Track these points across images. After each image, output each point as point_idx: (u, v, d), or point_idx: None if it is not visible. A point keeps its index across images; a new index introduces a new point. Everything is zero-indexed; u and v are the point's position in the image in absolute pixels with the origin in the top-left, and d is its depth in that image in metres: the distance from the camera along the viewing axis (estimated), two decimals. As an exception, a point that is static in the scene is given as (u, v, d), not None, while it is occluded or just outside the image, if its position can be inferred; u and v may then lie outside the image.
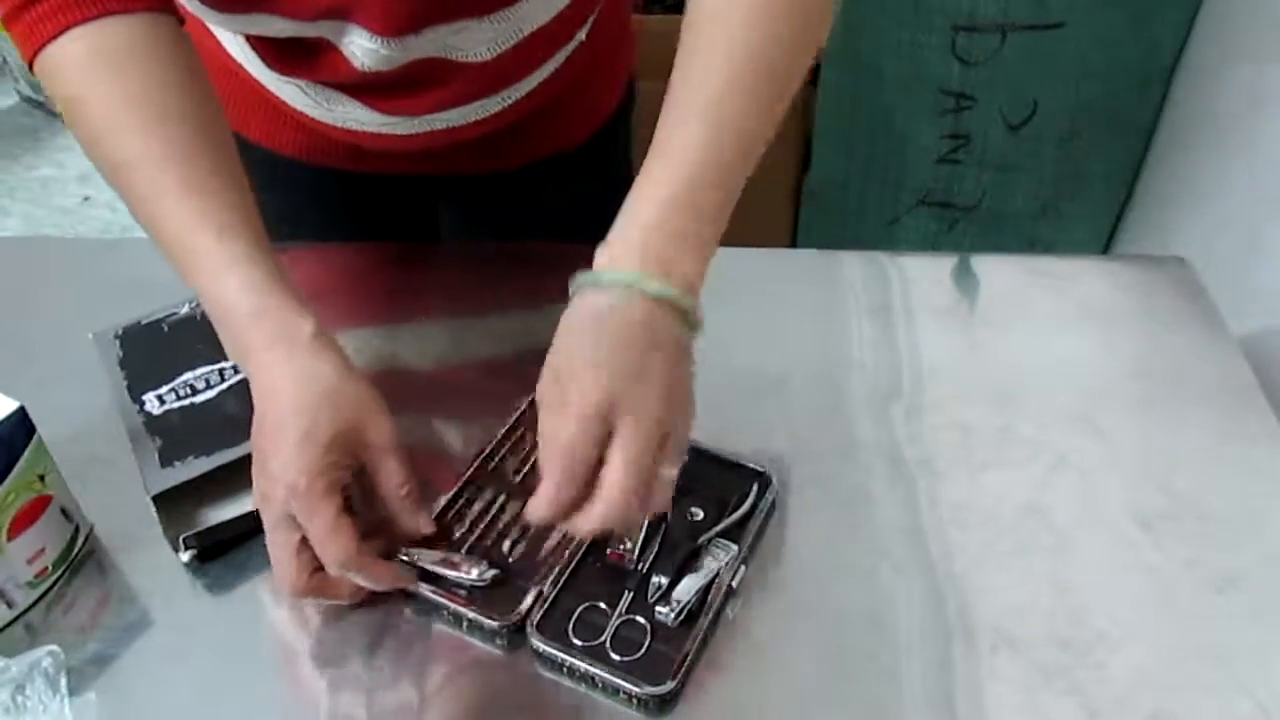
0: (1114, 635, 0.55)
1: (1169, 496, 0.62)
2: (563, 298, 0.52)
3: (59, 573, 0.59)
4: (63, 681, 0.52)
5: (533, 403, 0.64)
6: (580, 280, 0.52)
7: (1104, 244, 1.40)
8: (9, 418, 0.54)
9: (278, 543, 0.53)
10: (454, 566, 0.56)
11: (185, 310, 0.70)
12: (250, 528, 0.59)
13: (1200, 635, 0.55)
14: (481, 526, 0.59)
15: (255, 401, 0.54)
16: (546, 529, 0.59)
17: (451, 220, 0.91)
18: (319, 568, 0.54)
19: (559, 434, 0.49)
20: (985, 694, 0.52)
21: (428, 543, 0.57)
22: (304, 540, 0.53)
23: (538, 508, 0.50)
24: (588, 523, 0.49)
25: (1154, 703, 0.52)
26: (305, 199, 0.84)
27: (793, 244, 1.47)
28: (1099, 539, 0.60)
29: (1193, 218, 1.24)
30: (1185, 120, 1.26)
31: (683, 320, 0.51)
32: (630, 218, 0.52)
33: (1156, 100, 1.27)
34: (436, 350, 0.73)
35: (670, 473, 0.51)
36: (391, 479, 0.55)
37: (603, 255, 0.52)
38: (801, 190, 1.41)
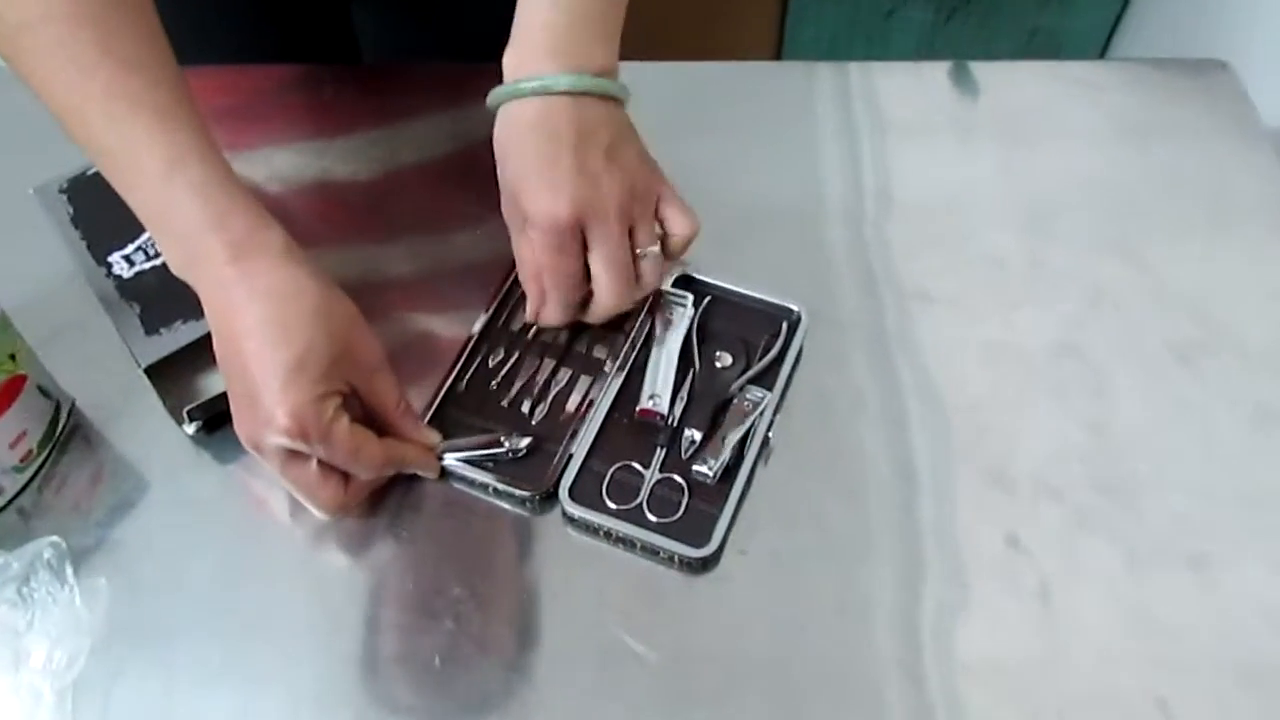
0: (1152, 478, 0.54)
1: (1206, 327, 0.60)
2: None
3: (45, 453, 0.55)
4: (68, 570, 0.50)
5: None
6: (499, 95, 0.53)
7: (1109, 29, 1.32)
8: (-34, 297, 0.48)
9: (297, 479, 0.49)
10: (491, 445, 0.53)
11: (139, 152, 0.63)
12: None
13: (1239, 475, 0.54)
14: (498, 389, 0.56)
15: (215, 325, 0.48)
16: (567, 389, 0.56)
17: (369, 29, 0.82)
18: (348, 476, 0.50)
19: (525, 255, 0.54)
20: (1026, 542, 0.52)
21: (447, 420, 0.54)
22: (321, 463, 0.49)
23: (530, 317, 0.56)
24: (594, 319, 0.56)
25: (1193, 545, 0.52)
26: (209, 15, 0.74)
27: (779, 39, 1.37)
28: (1136, 376, 0.58)
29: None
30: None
31: (610, 102, 0.53)
32: (529, 11, 0.52)
33: None
34: (370, 164, 0.67)
35: (651, 251, 0.55)
36: (388, 397, 0.52)
37: (511, 58, 0.53)
38: (790, -22, 1.30)
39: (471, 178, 0.66)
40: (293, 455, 0.48)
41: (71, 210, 0.60)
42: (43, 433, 0.54)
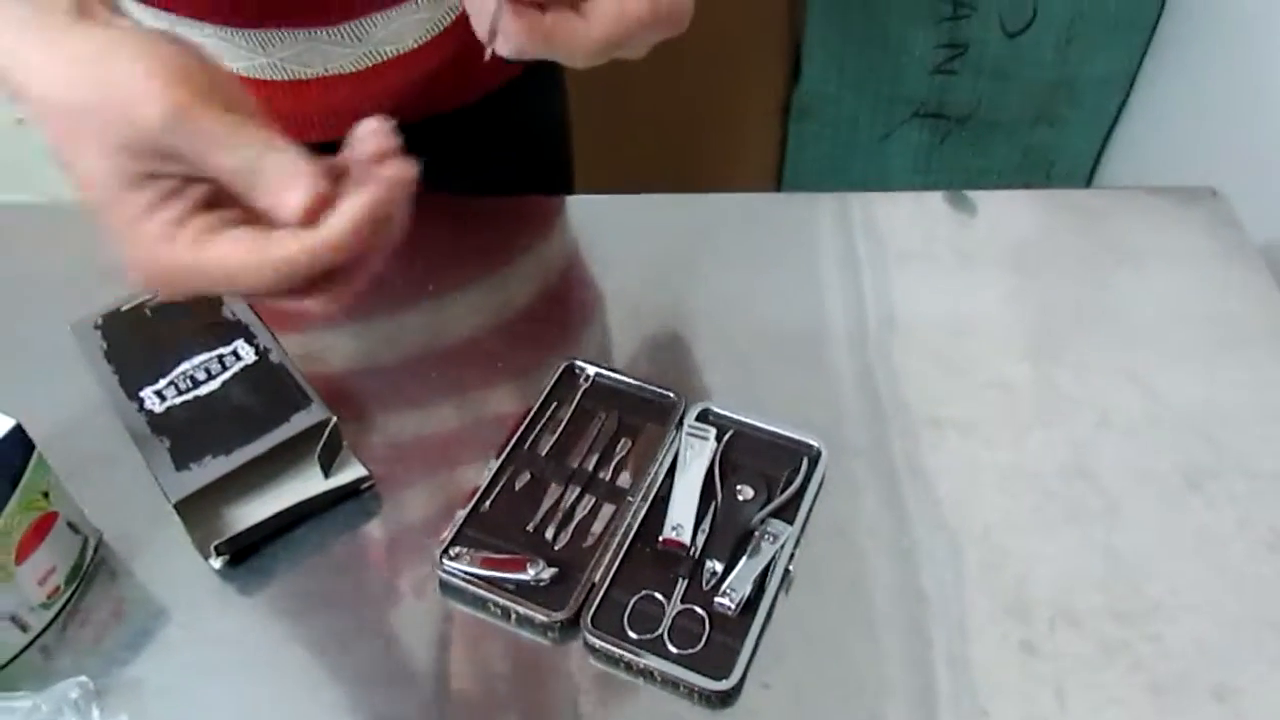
0: (1171, 605, 0.54)
1: (1215, 451, 0.61)
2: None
3: (71, 589, 0.55)
4: (95, 713, 0.50)
5: (562, 374, 0.62)
6: None
7: (1098, 149, 1.37)
8: (7, 438, 0.49)
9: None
10: (512, 568, 0.53)
11: (168, 290, 0.65)
12: (280, 527, 0.57)
13: (1258, 600, 0.54)
14: (522, 513, 0.57)
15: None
16: (590, 516, 0.57)
17: None
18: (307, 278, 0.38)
19: None
20: (1051, 673, 0.52)
21: (472, 541, 0.55)
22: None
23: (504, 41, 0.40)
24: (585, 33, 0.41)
25: (1217, 676, 0.52)
26: None
27: (781, 160, 1.42)
28: (1148, 501, 0.59)
29: (1189, 122, 1.22)
30: (1186, 21, 1.22)
31: None
32: None
33: (1158, 1, 1.23)
34: (427, 337, 0.67)
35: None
36: (218, 162, 0.36)
37: None
38: (790, 104, 1.36)
39: (487, 309, 0.69)
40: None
41: (106, 345, 0.62)
42: (70, 568, 0.55)
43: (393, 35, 0.65)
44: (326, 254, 0.37)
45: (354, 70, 0.66)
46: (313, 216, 0.37)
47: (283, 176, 0.36)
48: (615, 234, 0.74)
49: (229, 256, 0.37)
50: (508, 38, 0.41)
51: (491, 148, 0.80)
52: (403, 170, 0.39)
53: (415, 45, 0.66)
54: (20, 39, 0.38)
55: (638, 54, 0.44)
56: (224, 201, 0.38)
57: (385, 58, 0.66)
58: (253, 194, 0.37)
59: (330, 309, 0.40)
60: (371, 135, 0.39)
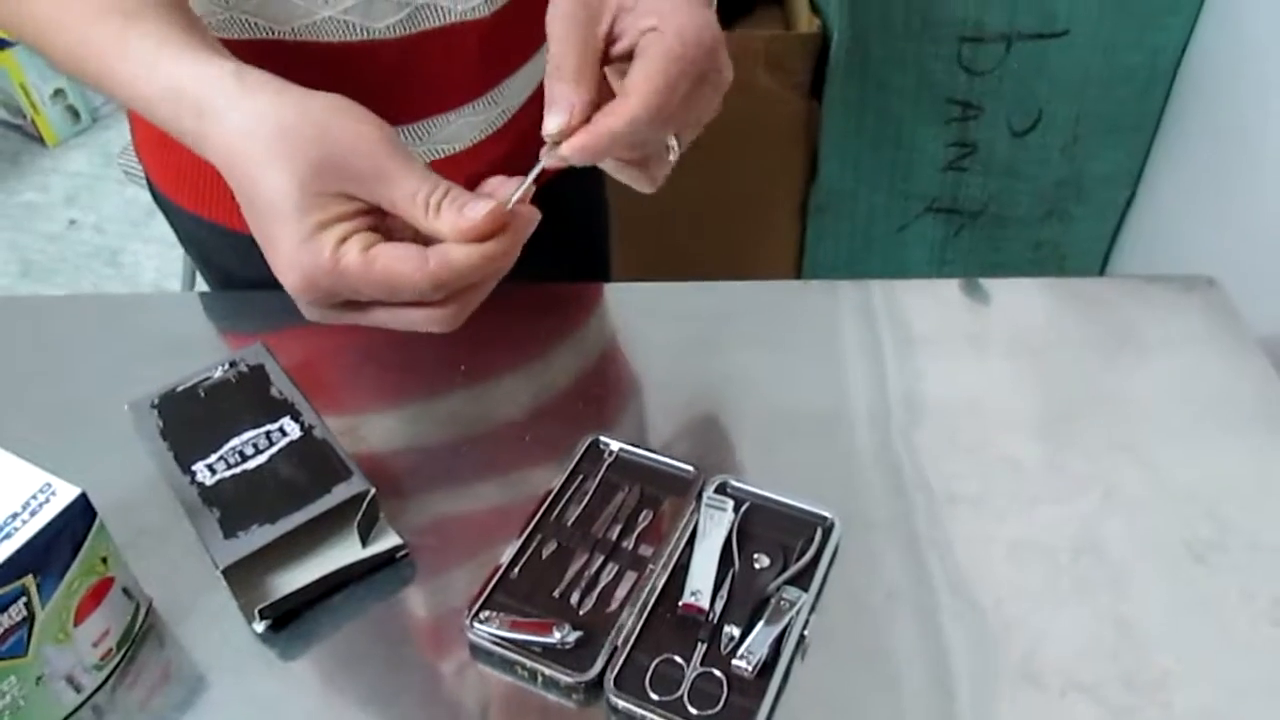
0: (1178, 673, 0.56)
1: (1219, 526, 0.63)
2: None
3: (123, 652, 0.58)
4: (142, 768, 0.52)
5: (588, 449, 0.65)
6: None
7: (1108, 243, 1.41)
8: (72, 505, 0.53)
9: (383, 323, 0.46)
10: (539, 630, 0.56)
11: (219, 374, 0.69)
12: (320, 593, 0.60)
13: (1262, 669, 0.56)
14: (548, 579, 0.60)
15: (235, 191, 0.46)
16: (614, 583, 0.59)
17: None
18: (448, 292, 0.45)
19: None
20: (1060, 738, 0.53)
21: (501, 605, 0.58)
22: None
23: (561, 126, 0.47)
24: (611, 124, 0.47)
25: (1226, 741, 0.53)
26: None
27: (800, 255, 1.47)
28: (1154, 573, 0.60)
29: (1193, 216, 1.26)
30: (1186, 122, 1.28)
31: None
32: None
33: (1158, 104, 1.29)
34: (461, 414, 0.72)
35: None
36: (400, 196, 0.44)
37: None
38: (809, 201, 1.42)
39: (520, 389, 0.73)
40: (348, 307, 0.46)
41: (161, 423, 0.66)
42: (122, 632, 0.58)
43: (452, 135, 0.71)
44: (480, 263, 0.44)
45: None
46: (493, 227, 0.45)
47: (466, 198, 0.45)
48: (645, 318, 0.78)
49: (393, 262, 0.44)
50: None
51: (539, 236, 0.85)
52: (534, 212, 0.47)
53: (472, 144, 0.73)
54: (204, 86, 0.45)
55: (708, 113, 0.51)
56: (385, 234, 0.45)
57: (445, 154, 0.72)
58: (431, 213, 0.44)
59: (452, 328, 0.46)
60: (505, 184, 0.48)
